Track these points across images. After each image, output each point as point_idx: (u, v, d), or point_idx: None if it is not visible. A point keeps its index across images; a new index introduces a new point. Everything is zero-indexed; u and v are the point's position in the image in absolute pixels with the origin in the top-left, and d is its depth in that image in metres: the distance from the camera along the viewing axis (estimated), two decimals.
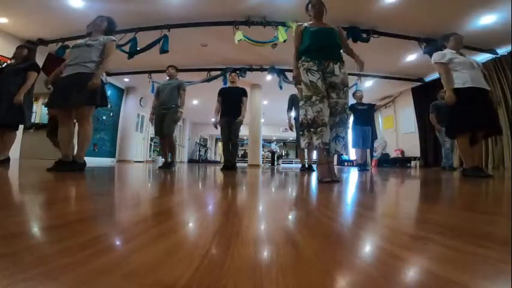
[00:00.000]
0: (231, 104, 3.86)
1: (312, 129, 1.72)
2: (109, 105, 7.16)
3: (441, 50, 2.55)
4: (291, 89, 6.80)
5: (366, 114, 4.68)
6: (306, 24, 2.01)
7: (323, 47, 1.88)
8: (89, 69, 2.09)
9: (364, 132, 4.58)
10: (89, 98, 2.03)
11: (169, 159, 3.55)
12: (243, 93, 3.93)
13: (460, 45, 2.52)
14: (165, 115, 3.51)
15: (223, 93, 3.97)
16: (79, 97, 1.99)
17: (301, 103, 1.81)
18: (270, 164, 11.00)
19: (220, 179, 2.02)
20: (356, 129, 4.59)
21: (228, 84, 4.31)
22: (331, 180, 1.68)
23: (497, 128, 2.40)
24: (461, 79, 2.29)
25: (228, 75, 4.12)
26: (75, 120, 2.18)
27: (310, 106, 1.74)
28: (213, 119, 4.07)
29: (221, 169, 3.71)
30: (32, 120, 3.56)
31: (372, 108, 4.86)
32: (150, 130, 10.88)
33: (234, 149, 3.88)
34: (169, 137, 3.54)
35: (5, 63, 3.04)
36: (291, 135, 16.97)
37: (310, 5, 2.04)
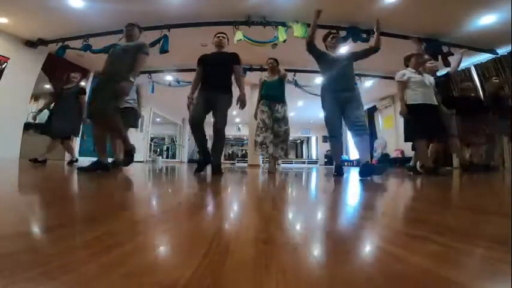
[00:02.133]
0: (216, 74, 2.57)
1: (262, 146, 3.09)
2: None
3: (440, 50, 2.67)
4: (291, 89, 6.81)
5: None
6: (264, 78, 3.37)
7: (271, 95, 3.20)
8: (130, 105, 3.26)
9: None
10: (132, 122, 3.32)
11: (117, 156, 2.45)
12: (233, 59, 2.64)
13: (420, 65, 2.99)
14: (102, 88, 2.26)
15: (204, 61, 2.69)
16: (127, 122, 2.97)
17: (257, 129, 3.15)
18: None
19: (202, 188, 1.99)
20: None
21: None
22: (274, 172, 3.03)
23: (443, 137, 2.95)
24: (414, 96, 2.78)
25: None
26: None
27: (261, 133, 3.09)
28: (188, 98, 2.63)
29: (194, 172, 2.52)
30: (36, 121, 4.13)
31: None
32: (150, 130, 10.88)
33: (218, 142, 2.57)
34: (106, 118, 2.23)
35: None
36: (291, 135, 16.98)
37: (267, 64, 3.39)
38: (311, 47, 2.50)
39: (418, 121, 2.73)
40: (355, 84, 2.49)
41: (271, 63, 3.32)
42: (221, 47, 2.75)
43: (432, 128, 2.75)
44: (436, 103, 2.83)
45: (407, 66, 2.99)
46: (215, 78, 2.56)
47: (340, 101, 2.33)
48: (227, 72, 2.61)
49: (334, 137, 2.47)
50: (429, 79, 2.90)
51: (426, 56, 3.39)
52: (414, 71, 2.90)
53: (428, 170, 2.75)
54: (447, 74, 3.69)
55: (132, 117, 3.27)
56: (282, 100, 3.19)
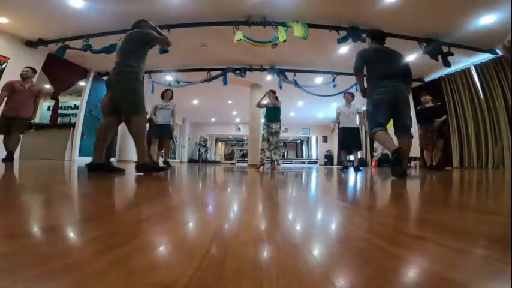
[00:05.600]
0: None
1: (261, 151, 4.78)
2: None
3: (440, 51, 2.75)
4: (291, 89, 6.80)
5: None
6: (266, 102, 4.86)
7: (269, 117, 4.75)
8: (168, 122, 4.52)
9: None
10: (170, 136, 4.66)
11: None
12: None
13: (350, 101, 4.70)
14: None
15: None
16: (166, 135, 4.57)
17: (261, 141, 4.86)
18: (270, 164, 10.95)
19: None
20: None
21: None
22: (266, 169, 4.56)
23: (357, 147, 4.82)
24: (341, 123, 4.69)
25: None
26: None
27: (262, 142, 4.81)
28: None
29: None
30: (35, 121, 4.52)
31: None
32: None
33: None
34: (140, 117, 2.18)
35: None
36: (291, 135, 16.91)
37: (268, 93, 4.87)
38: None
39: (343, 139, 4.70)
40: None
41: (270, 94, 4.87)
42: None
43: (350, 143, 4.68)
44: (356, 126, 4.66)
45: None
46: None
47: None
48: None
49: None
50: (353, 109, 4.61)
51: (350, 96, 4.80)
52: (346, 104, 4.71)
53: (345, 165, 4.87)
54: None
55: (169, 132, 4.58)
56: (276, 120, 4.74)
